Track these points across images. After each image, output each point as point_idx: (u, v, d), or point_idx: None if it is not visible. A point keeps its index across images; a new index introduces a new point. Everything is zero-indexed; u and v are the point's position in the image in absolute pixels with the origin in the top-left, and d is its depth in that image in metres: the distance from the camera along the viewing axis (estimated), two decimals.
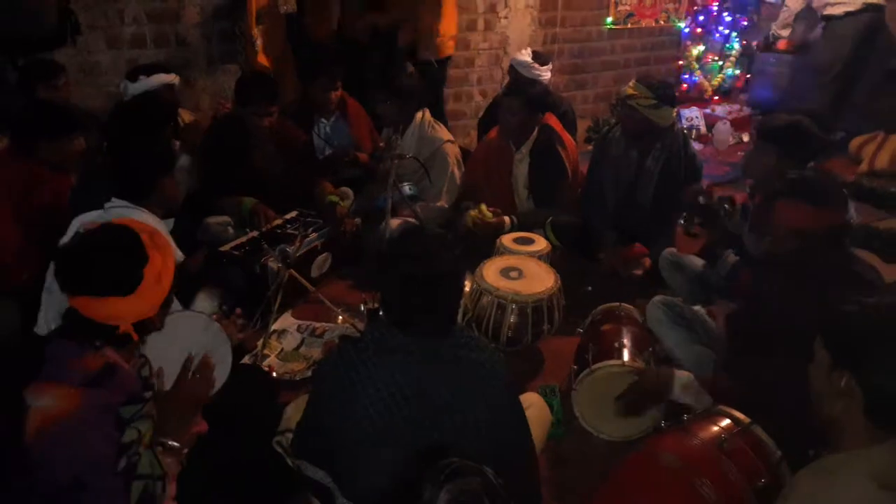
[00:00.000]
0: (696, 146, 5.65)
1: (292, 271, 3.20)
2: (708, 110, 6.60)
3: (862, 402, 1.44)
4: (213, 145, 3.80)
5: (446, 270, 1.73)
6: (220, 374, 2.03)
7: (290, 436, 2.04)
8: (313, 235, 3.59)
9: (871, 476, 1.36)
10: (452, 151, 4.03)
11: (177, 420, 1.81)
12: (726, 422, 2.00)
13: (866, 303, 1.51)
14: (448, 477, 1.26)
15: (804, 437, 1.74)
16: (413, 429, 1.70)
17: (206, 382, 1.95)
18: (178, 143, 3.80)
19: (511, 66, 4.46)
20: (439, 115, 4.65)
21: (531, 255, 3.23)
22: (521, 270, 3.02)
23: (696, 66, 6.83)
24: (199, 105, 4.69)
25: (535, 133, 3.76)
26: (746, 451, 1.89)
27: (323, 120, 4.28)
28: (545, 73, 4.30)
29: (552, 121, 3.84)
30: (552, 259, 3.31)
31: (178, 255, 2.47)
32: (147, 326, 1.78)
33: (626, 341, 2.70)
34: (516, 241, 3.38)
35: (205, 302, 3.06)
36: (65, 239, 2.42)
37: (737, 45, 6.87)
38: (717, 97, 6.92)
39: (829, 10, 5.43)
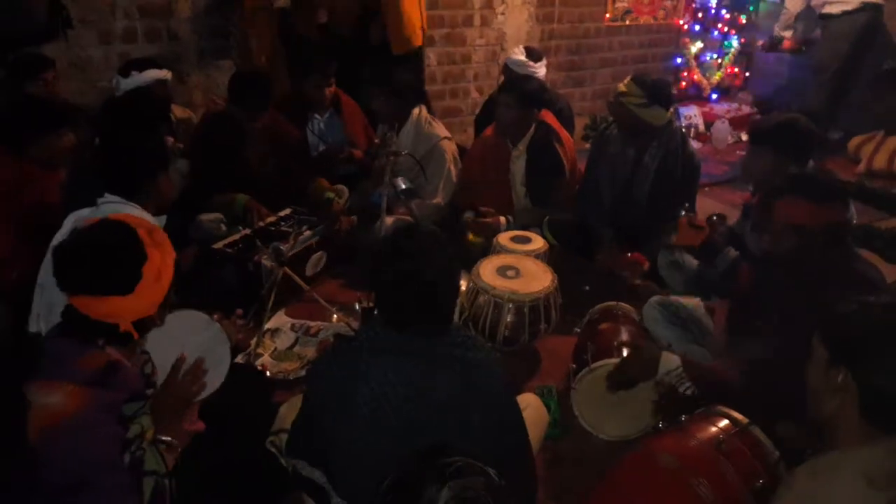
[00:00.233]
0: (695, 144, 5.66)
1: (287, 270, 3.18)
2: (706, 108, 6.59)
3: (857, 399, 1.45)
4: (206, 142, 3.77)
5: (441, 268, 1.71)
6: (219, 374, 2.02)
7: (283, 436, 2.02)
8: (307, 233, 3.56)
9: (865, 475, 1.36)
10: (449, 148, 4.01)
11: (167, 417, 1.80)
12: (724, 422, 2.00)
13: (865, 301, 1.53)
14: (451, 475, 1.24)
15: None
16: (408, 428, 1.68)
17: (196, 384, 1.94)
18: (172, 140, 3.77)
19: (505, 66, 4.45)
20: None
21: (528, 253, 3.21)
22: (518, 269, 3.00)
23: (695, 63, 6.81)
24: (191, 101, 4.66)
25: (531, 130, 3.74)
26: (744, 452, 1.89)
27: (317, 116, 4.27)
28: (540, 69, 4.29)
29: (549, 118, 3.82)
30: (549, 258, 3.30)
31: None
32: (147, 324, 1.77)
33: (624, 340, 2.68)
34: (513, 239, 3.36)
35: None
36: (59, 235, 2.39)
37: (735, 43, 6.86)
38: (715, 95, 6.91)
39: (827, 10, 5.44)
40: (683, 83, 6.85)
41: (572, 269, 3.47)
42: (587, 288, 3.51)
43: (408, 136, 3.96)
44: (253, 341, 3.04)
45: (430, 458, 1.32)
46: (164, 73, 3.86)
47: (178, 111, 4.20)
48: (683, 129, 4.54)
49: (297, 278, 3.25)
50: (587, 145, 4.38)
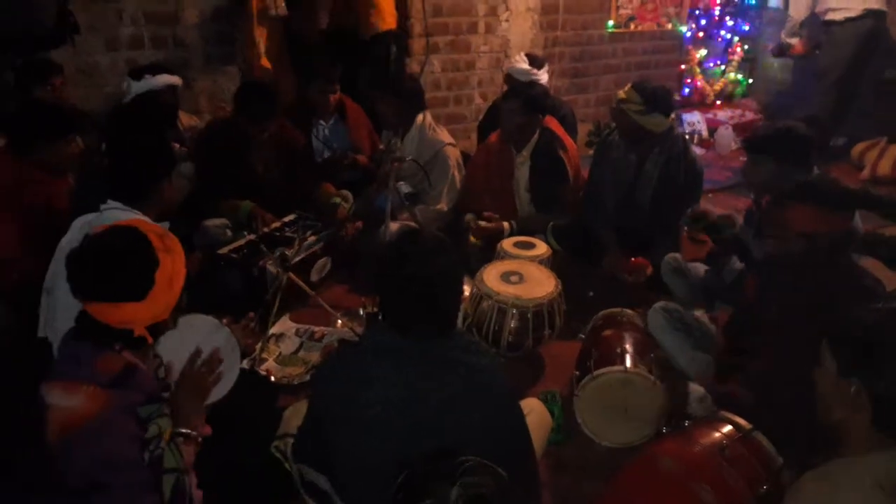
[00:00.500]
0: (698, 151, 5.67)
1: (291, 275, 3.19)
2: (710, 115, 6.60)
3: (869, 408, 1.44)
4: (211, 148, 3.78)
5: (444, 272, 1.71)
6: (229, 379, 2.03)
7: (288, 440, 2.03)
8: (312, 238, 3.57)
9: (876, 482, 1.36)
10: (453, 154, 4.02)
11: (186, 409, 1.82)
12: (728, 428, 2.00)
13: (875, 310, 1.52)
14: (461, 474, 1.25)
15: (805, 442, 1.73)
16: (412, 432, 1.68)
17: (212, 375, 1.95)
18: (178, 146, 3.79)
19: (507, 75, 4.46)
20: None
21: (532, 259, 3.22)
22: (522, 275, 3.01)
23: (698, 70, 6.83)
24: (198, 107, 4.68)
25: (535, 136, 3.75)
26: (748, 458, 1.90)
27: (321, 122, 4.28)
28: (542, 76, 4.30)
29: (553, 124, 3.83)
30: (553, 264, 3.30)
31: None
32: (161, 328, 1.79)
33: (628, 347, 2.68)
34: (517, 245, 3.36)
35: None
36: (65, 239, 2.41)
37: (739, 50, 6.87)
38: (719, 102, 6.92)
39: (831, 16, 5.44)
40: (686, 90, 6.86)
41: (576, 274, 3.48)
42: (591, 294, 3.51)
43: (412, 142, 3.98)
44: (258, 346, 3.05)
45: (440, 458, 1.32)
46: (176, 80, 3.88)
47: (184, 118, 4.22)
48: (686, 136, 4.55)
49: (301, 284, 3.26)
50: (591, 151, 4.39)
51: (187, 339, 1.96)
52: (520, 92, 3.75)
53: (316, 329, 3.30)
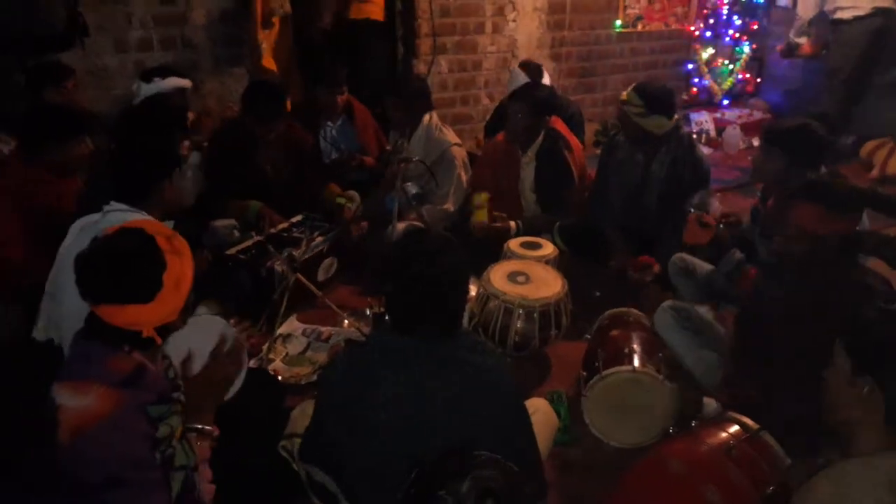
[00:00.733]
0: (706, 150, 5.66)
1: (298, 275, 3.20)
2: (718, 114, 6.58)
3: (883, 409, 1.44)
4: (220, 149, 3.80)
5: (450, 272, 1.72)
6: (237, 378, 2.04)
7: (296, 440, 2.03)
8: (319, 239, 3.59)
9: (890, 481, 1.36)
10: (459, 154, 4.02)
11: (209, 402, 1.84)
12: (735, 428, 2.00)
13: (889, 309, 1.52)
14: (472, 467, 1.26)
15: (812, 442, 1.73)
16: (419, 432, 1.69)
17: (237, 361, 1.98)
18: (187, 142, 3.80)
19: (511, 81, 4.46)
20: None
21: (538, 259, 3.22)
22: (528, 275, 3.01)
23: (706, 69, 6.81)
24: (206, 108, 4.70)
25: (541, 137, 3.75)
26: (755, 458, 1.90)
27: (329, 123, 4.29)
28: (544, 78, 4.29)
29: (558, 124, 3.84)
30: (559, 264, 3.30)
31: None
32: (169, 329, 1.80)
33: (635, 347, 2.68)
34: (523, 245, 3.36)
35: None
36: (67, 241, 2.43)
37: (747, 49, 6.85)
38: (726, 101, 6.90)
39: (839, 15, 5.42)
40: (695, 89, 6.84)
41: (583, 274, 3.47)
42: (598, 293, 3.51)
43: (419, 143, 3.99)
44: (265, 346, 3.06)
45: (452, 453, 1.33)
46: (186, 82, 3.90)
47: (190, 116, 4.23)
48: (694, 135, 4.54)
49: (308, 284, 3.27)
50: (598, 151, 4.38)
51: (197, 339, 1.96)
52: (527, 94, 3.75)
53: (323, 329, 3.31)
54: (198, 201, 3.56)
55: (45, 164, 2.95)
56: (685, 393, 2.42)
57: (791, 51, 6.01)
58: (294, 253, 3.30)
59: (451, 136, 4.07)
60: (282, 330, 3.24)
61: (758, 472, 1.86)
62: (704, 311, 2.92)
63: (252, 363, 2.92)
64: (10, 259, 2.84)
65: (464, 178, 4.02)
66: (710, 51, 6.79)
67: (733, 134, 6.20)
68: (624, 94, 3.44)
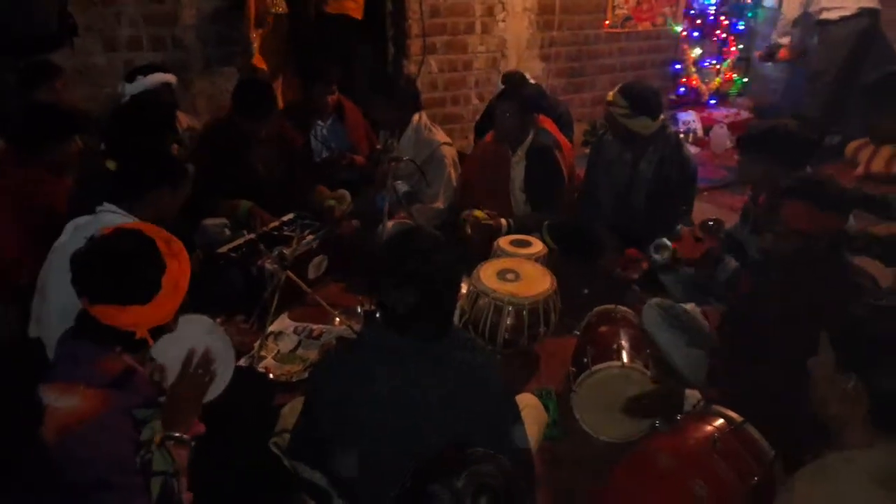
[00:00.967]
0: (693, 149, 5.69)
1: (289, 273, 3.21)
2: (705, 114, 6.63)
3: (866, 403, 1.45)
4: (211, 148, 3.80)
5: (442, 270, 1.74)
6: (224, 377, 2.04)
7: (286, 437, 2.04)
8: (310, 237, 3.60)
9: (872, 476, 1.37)
10: (449, 153, 4.05)
11: (183, 413, 1.81)
12: (720, 421, 2.02)
13: (877, 306, 1.53)
14: (468, 463, 1.27)
15: (798, 437, 1.75)
16: (409, 429, 1.71)
17: (207, 375, 1.94)
18: (177, 147, 3.80)
19: (503, 76, 4.49)
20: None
21: (528, 257, 3.24)
22: (518, 273, 3.03)
23: (694, 69, 6.85)
24: (196, 108, 4.69)
25: (530, 136, 3.77)
26: (740, 451, 1.91)
27: (320, 122, 4.30)
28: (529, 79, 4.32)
29: (547, 124, 3.86)
30: (549, 261, 3.32)
31: None
32: (163, 331, 1.80)
33: (623, 343, 2.70)
34: (513, 243, 3.39)
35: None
36: (59, 241, 2.42)
37: (734, 49, 6.90)
38: (714, 101, 6.94)
39: (825, 15, 5.45)
40: (682, 89, 6.88)
41: (571, 272, 3.49)
42: (586, 291, 3.53)
43: (408, 142, 4.01)
44: (256, 344, 3.07)
45: (448, 448, 1.35)
46: (170, 77, 3.89)
47: (183, 119, 4.23)
48: (681, 135, 4.57)
49: (299, 282, 3.28)
50: (587, 151, 4.42)
51: (182, 339, 1.95)
52: (514, 93, 3.77)
53: (314, 327, 3.32)
54: (188, 201, 3.56)
55: (44, 164, 2.95)
56: (668, 385, 2.44)
57: (771, 55, 6.05)
58: (285, 251, 3.31)
59: (440, 135, 4.09)
60: (273, 328, 3.25)
61: (743, 465, 1.87)
62: (691, 307, 2.95)
63: (243, 361, 2.93)
64: (8, 258, 2.84)
65: (454, 176, 4.04)
66: (698, 51, 6.83)
67: (720, 133, 6.24)
68: (610, 96, 3.48)
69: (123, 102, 3.77)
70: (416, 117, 4.04)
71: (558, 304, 3.01)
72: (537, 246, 3.38)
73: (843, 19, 5.37)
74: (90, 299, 1.67)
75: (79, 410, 1.57)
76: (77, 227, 2.42)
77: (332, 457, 1.82)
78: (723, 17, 6.78)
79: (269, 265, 3.29)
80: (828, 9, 5.42)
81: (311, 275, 3.62)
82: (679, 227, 2.89)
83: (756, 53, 6.52)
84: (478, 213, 3.68)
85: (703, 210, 4.20)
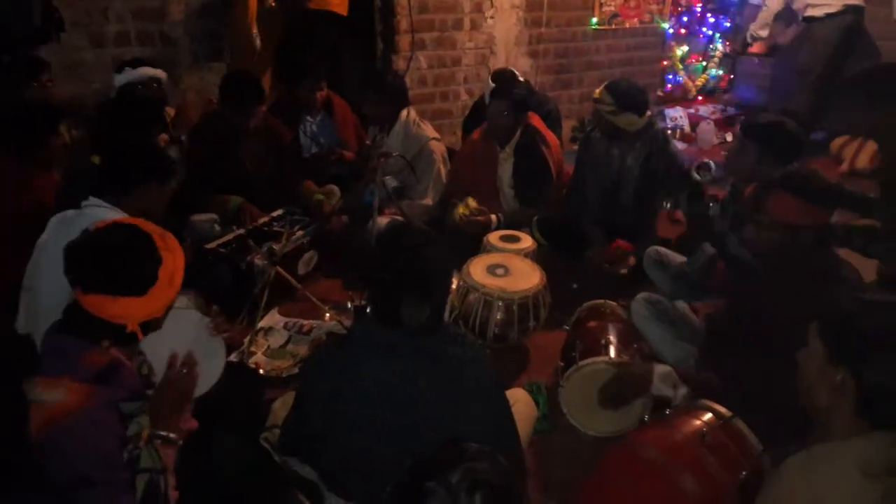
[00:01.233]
0: (680, 146, 5.73)
1: (279, 268, 3.21)
2: (692, 110, 6.67)
3: (854, 396, 1.45)
4: (200, 142, 3.79)
5: (433, 266, 1.75)
6: (215, 370, 2.03)
7: (276, 432, 2.05)
8: (300, 233, 3.60)
9: (857, 466, 1.38)
10: (438, 149, 4.05)
11: (168, 412, 1.80)
12: (708, 416, 2.02)
13: (867, 300, 1.53)
14: (462, 459, 1.28)
15: (785, 430, 1.76)
16: (400, 424, 1.71)
17: (191, 376, 1.92)
18: (166, 137, 3.78)
19: (493, 74, 4.48)
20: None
21: (517, 252, 3.26)
22: (508, 268, 3.05)
23: (681, 66, 6.89)
24: (185, 103, 4.65)
25: (518, 133, 3.79)
26: (728, 445, 1.91)
27: (309, 118, 4.29)
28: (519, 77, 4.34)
29: (535, 120, 3.88)
30: (538, 257, 3.34)
31: None
32: (153, 326, 1.79)
33: (611, 338, 2.71)
34: (503, 238, 3.40)
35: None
36: (44, 236, 2.41)
37: (720, 47, 6.94)
38: (700, 97, 6.99)
39: (811, 12, 5.50)
40: (669, 85, 6.92)
41: (561, 267, 3.51)
42: (575, 286, 3.55)
43: (397, 138, 4.01)
44: (246, 340, 3.07)
45: (444, 444, 1.36)
46: (159, 73, 3.87)
47: (169, 111, 4.21)
48: (668, 131, 4.60)
49: (289, 277, 3.28)
50: (575, 147, 4.44)
51: (169, 333, 1.94)
52: (507, 92, 3.78)
53: (304, 322, 3.32)
54: (178, 195, 3.55)
55: (34, 161, 2.93)
56: (636, 365, 2.46)
57: (744, 48, 6.09)
58: (274, 247, 3.31)
59: (429, 130, 4.10)
60: (263, 323, 3.24)
61: (731, 459, 1.87)
62: (679, 302, 2.98)
63: (233, 357, 2.93)
64: (1, 256, 2.82)
65: (443, 172, 4.05)
66: (685, 48, 6.87)
67: (707, 130, 6.28)
68: (597, 92, 3.51)
69: (111, 98, 3.75)
70: (404, 113, 4.04)
71: (548, 299, 3.02)
72: (527, 241, 3.40)
73: (828, 16, 5.42)
74: (83, 288, 1.65)
75: (63, 404, 1.56)
76: (61, 222, 2.40)
77: (322, 452, 1.82)
78: (709, 15, 6.82)
79: (258, 261, 3.28)
80: (813, 5, 5.46)
81: (301, 270, 3.61)
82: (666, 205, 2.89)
83: (726, 44, 6.54)
84: (470, 200, 3.69)
85: None
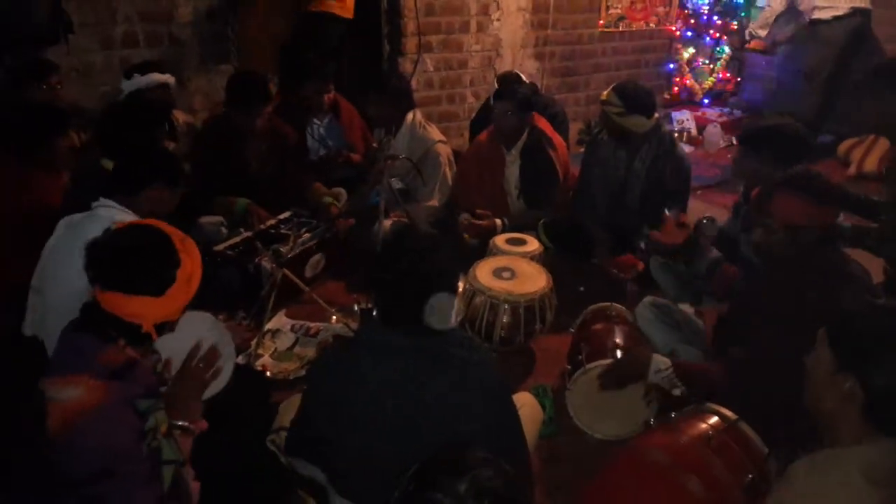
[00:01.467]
0: (687, 149, 5.72)
1: (286, 271, 3.22)
2: (699, 113, 6.66)
3: (862, 403, 1.45)
4: (206, 145, 3.81)
5: (439, 268, 1.75)
6: (225, 374, 2.05)
7: (283, 434, 2.05)
8: (307, 235, 3.61)
9: (862, 472, 1.38)
10: (444, 151, 4.06)
11: (185, 402, 1.82)
12: (714, 419, 2.03)
13: (876, 305, 1.54)
14: (468, 467, 1.28)
15: (790, 433, 1.76)
16: (407, 427, 1.71)
17: (210, 369, 1.95)
18: (173, 144, 3.80)
19: (499, 76, 4.50)
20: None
21: (523, 255, 3.26)
22: (514, 271, 3.05)
23: (687, 69, 6.88)
24: (192, 105, 4.69)
25: (525, 135, 3.79)
26: (733, 448, 1.91)
27: (316, 121, 4.31)
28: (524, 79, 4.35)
29: (542, 123, 3.88)
30: (544, 259, 3.35)
31: None
32: (167, 327, 1.82)
33: (618, 340, 2.72)
34: (509, 241, 3.41)
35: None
36: (53, 238, 2.42)
37: (727, 49, 6.93)
38: (707, 100, 6.98)
39: (818, 14, 5.48)
40: (676, 88, 6.91)
41: (567, 270, 3.51)
42: (581, 289, 3.55)
43: (403, 140, 4.02)
44: (253, 342, 3.08)
45: (450, 450, 1.36)
46: (168, 78, 3.89)
47: (180, 116, 4.23)
48: (675, 134, 4.60)
49: (296, 280, 3.29)
50: (582, 150, 4.44)
51: (184, 334, 1.96)
52: (510, 93, 3.79)
53: (311, 325, 3.33)
54: (184, 198, 3.56)
55: (39, 163, 2.95)
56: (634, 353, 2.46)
57: (743, 45, 6.07)
58: (281, 249, 3.32)
59: (435, 133, 4.11)
60: (270, 325, 3.26)
61: (737, 462, 1.88)
62: (685, 306, 2.97)
63: (240, 359, 2.94)
64: (3, 256, 2.83)
65: (448, 174, 4.06)
66: (691, 50, 6.86)
67: (714, 132, 6.27)
68: (604, 95, 3.51)
69: (117, 101, 3.76)
70: (410, 115, 4.05)
71: (554, 302, 3.03)
72: (533, 244, 3.40)
73: (835, 18, 5.41)
74: (102, 286, 1.69)
75: (80, 401, 1.58)
76: (70, 224, 2.42)
77: (328, 454, 1.83)
78: (716, 17, 6.81)
79: (265, 263, 3.30)
80: (820, 8, 5.45)
81: (308, 273, 3.63)
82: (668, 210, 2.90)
83: (724, 39, 6.53)
84: (467, 236, 3.72)
85: (696, 208, 4.21)
